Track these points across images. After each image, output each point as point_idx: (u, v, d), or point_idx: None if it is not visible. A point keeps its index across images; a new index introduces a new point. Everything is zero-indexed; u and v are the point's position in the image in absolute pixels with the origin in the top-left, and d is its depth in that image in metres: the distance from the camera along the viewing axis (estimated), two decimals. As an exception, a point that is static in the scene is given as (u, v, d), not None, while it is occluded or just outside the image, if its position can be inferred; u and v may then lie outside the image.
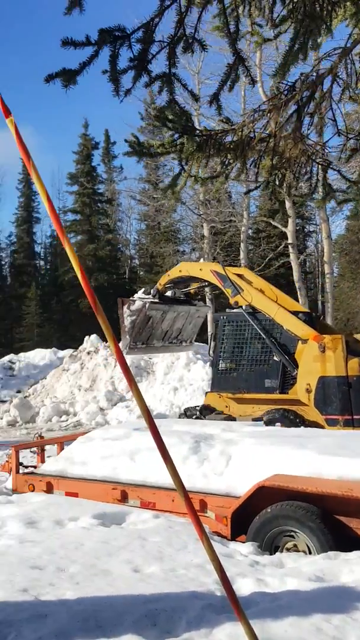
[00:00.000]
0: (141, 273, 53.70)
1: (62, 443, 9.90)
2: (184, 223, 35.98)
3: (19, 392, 27.66)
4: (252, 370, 13.12)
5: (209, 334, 14.86)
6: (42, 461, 9.59)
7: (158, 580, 4.90)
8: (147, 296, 14.47)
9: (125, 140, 5.08)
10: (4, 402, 25.24)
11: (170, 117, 4.76)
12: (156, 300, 14.15)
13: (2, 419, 20.73)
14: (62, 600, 4.59)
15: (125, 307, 13.76)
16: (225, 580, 3.51)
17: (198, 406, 13.72)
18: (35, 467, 9.37)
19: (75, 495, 7.88)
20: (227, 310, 14.12)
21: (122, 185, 55.86)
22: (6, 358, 33.93)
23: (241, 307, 13.20)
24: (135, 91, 4.64)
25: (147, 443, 7.80)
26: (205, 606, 4.36)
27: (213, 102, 5.18)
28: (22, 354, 34.84)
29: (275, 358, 12.70)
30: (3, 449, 14.17)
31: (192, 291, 15.22)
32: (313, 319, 13.55)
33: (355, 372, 11.81)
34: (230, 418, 12.56)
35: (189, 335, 15.48)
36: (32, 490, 8.38)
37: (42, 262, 62.31)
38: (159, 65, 4.66)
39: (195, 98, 6.24)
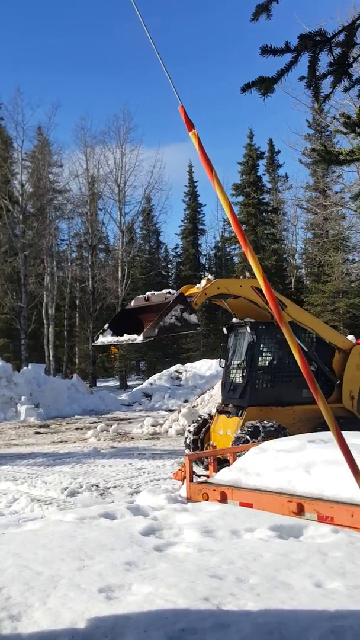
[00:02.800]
0: (308, 282, 53.12)
1: (235, 453, 9.94)
2: (354, 230, 35.08)
3: (186, 401, 28.17)
4: (289, 382, 13.14)
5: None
6: (215, 471, 9.67)
7: (342, 596, 4.77)
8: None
9: (313, 149, 5.01)
10: (172, 411, 25.78)
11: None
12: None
13: (171, 427, 21.13)
14: (244, 610, 4.56)
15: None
16: None
17: (270, 422, 12.60)
18: (208, 476, 9.47)
19: (250, 506, 7.85)
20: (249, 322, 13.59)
21: (288, 194, 55.59)
22: (173, 368, 34.76)
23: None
24: (334, 96, 4.58)
25: (323, 455, 7.67)
26: (395, 626, 4.19)
27: None
28: (188, 364, 35.53)
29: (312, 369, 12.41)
30: (174, 458, 14.45)
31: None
32: None
33: None
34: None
35: None
36: (206, 499, 8.45)
37: (206, 274, 63.22)
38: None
39: None
